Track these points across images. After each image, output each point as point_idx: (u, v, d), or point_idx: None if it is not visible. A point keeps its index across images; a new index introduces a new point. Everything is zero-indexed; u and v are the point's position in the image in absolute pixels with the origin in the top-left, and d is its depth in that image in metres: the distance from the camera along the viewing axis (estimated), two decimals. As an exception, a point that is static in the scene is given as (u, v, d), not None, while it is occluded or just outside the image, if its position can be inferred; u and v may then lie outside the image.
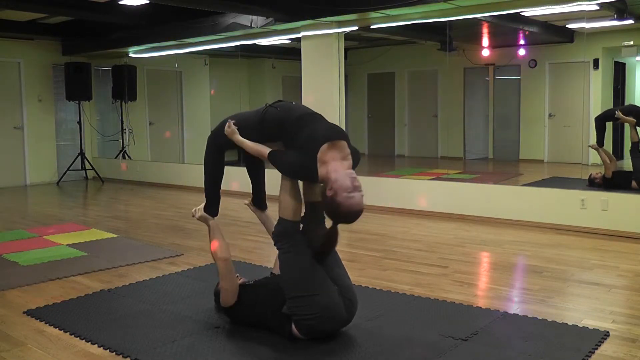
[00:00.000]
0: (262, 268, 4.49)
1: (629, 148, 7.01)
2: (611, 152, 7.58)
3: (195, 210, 3.48)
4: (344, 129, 7.59)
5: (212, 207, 3.48)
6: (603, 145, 7.44)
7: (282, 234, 3.06)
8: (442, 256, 4.90)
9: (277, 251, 3.13)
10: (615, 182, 6.92)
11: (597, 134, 7.56)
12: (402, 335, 3.13)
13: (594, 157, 8.90)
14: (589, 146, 7.77)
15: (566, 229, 5.82)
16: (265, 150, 3.11)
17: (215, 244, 3.27)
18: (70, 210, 7.78)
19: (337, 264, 3.13)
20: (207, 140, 3.52)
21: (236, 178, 7.68)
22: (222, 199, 3.53)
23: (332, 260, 3.12)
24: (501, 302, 3.69)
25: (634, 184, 6.76)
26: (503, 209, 6.30)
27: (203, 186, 3.56)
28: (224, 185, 3.60)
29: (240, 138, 3.24)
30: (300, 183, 3.15)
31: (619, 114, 7.15)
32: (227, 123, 3.30)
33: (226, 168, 3.61)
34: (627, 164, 7.36)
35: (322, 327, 2.98)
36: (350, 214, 2.85)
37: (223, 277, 3.22)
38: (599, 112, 8.96)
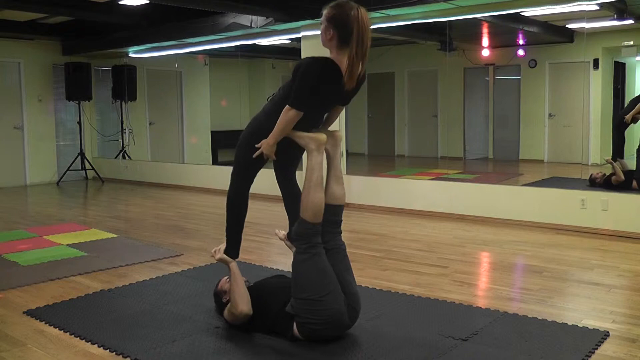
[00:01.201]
0: (262, 268, 4.49)
1: (637, 147, 6.94)
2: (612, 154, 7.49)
3: (215, 251, 3.35)
4: (344, 129, 7.57)
5: (232, 249, 3.33)
6: (623, 157, 7.30)
7: (302, 235, 3.02)
8: (442, 256, 4.90)
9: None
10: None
11: (615, 147, 7.41)
12: (402, 335, 3.13)
13: (594, 157, 8.91)
14: (605, 159, 7.54)
15: (566, 229, 5.82)
16: (284, 112, 2.96)
17: (236, 295, 3.09)
18: (70, 210, 7.78)
19: (347, 270, 3.11)
20: (230, 176, 3.35)
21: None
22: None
23: (343, 266, 3.09)
24: (501, 302, 3.69)
25: (634, 184, 6.75)
26: (503, 209, 6.30)
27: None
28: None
29: (272, 137, 3.05)
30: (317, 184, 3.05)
31: (627, 117, 7.10)
32: (259, 151, 3.11)
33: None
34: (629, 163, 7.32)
35: (324, 333, 2.98)
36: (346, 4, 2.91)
37: (237, 320, 3.14)
38: (599, 112, 8.97)
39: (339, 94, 3.10)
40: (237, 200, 3.36)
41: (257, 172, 3.40)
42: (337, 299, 2.96)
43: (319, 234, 3.03)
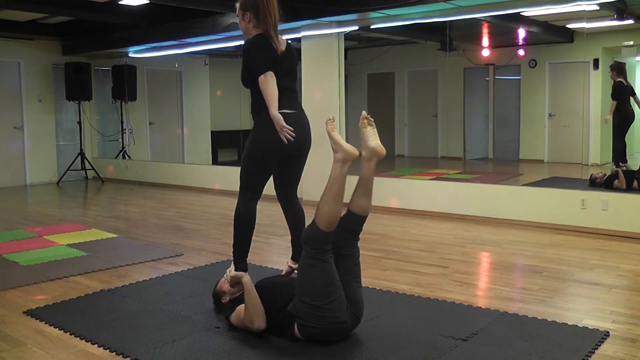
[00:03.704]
0: (262, 268, 4.49)
1: None
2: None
3: (226, 274, 3.41)
4: (344, 129, 7.59)
5: (240, 263, 3.42)
6: (626, 160, 7.23)
7: (312, 239, 2.96)
8: (442, 256, 4.90)
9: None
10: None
11: (617, 151, 7.35)
12: (402, 335, 3.13)
13: (594, 157, 8.91)
14: (613, 169, 7.35)
15: (566, 229, 5.82)
16: (260, 83, 3.51)
17: (252, 313, 3.03)
18: (70, 210, 7.78)
19: (355, 278, 3.07)
20: (238, 195, 3.51)
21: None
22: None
23: (352, 274, 3.05)
24: (501, 302, 3.68)
25: (635, 183, 6.74)
26: (503, 209, 6.30)
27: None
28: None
29: (271, 109, 3.48)
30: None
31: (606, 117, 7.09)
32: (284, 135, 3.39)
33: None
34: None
35: (324, 337, 2.97)
36: None
37: (247, 329, 3.11)
38: (599, 113, 8.95)
39: (279, 57, 3.54)
40: (244, 216, 3.47)
41: (262, 186, 3.49)
42: (339, 308, 2.93)
43: (329, 242, 2.97)
